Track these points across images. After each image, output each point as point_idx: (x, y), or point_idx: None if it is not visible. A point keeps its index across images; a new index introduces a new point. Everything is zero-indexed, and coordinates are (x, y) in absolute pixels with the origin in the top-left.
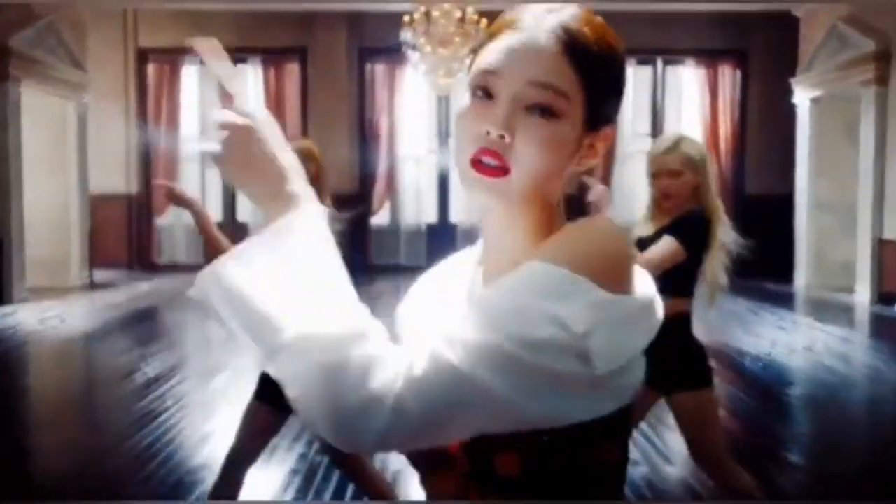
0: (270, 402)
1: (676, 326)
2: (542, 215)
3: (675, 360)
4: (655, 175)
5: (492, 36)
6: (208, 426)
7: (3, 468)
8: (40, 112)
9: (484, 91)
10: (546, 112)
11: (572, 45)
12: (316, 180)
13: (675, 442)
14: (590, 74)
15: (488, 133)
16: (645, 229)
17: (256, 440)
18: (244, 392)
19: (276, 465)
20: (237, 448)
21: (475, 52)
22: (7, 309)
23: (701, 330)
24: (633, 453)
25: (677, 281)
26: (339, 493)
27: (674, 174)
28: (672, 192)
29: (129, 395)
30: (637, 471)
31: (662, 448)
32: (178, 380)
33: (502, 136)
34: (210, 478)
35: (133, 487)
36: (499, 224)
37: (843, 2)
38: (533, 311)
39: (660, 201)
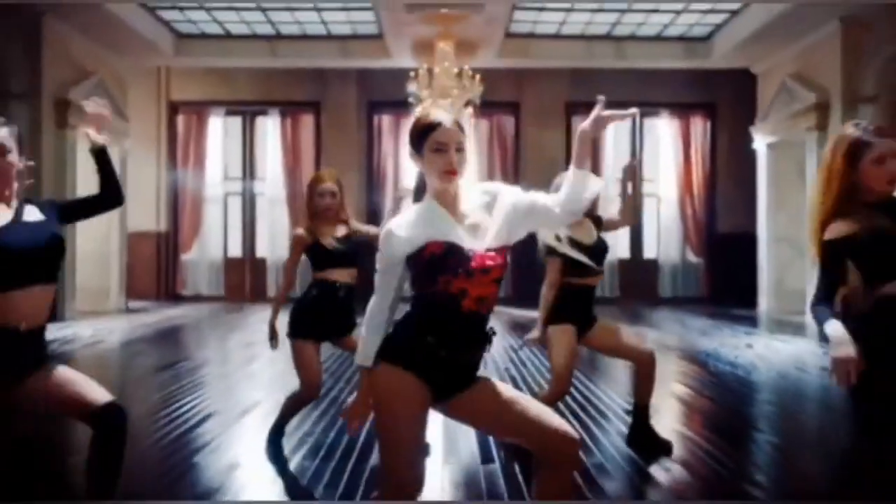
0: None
1: (592, 292)
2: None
3: (591, 311)
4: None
5: (436, 125)
6: (216, 409)
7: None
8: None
9: (440, 146)
10: (460, 150)
11: (460, 126)
12: (343, 202)
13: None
14: (462, 131)
15: (450, 163)
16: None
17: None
18: (250, 387)
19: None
20: (301, 389)
21: (469, 104)
22: (62, 324)
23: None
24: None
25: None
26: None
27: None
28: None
29: (156, 387)
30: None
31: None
32: (195, 377)
33: (451, 164)
34: (217, 459)
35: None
36: (452, 195)
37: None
38: None
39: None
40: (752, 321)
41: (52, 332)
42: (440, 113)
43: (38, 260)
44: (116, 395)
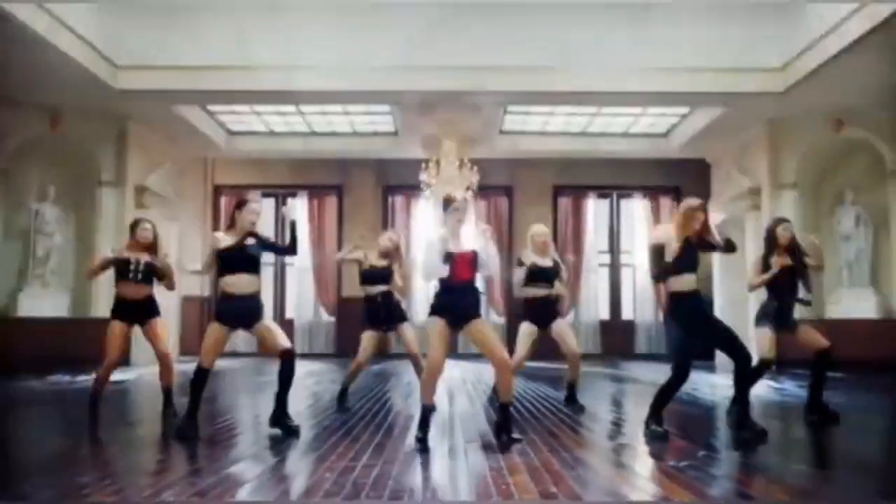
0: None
1: (556, 301)
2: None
3: (552, 312)
4: (535, 239)
5: (451, 202)
6: (251, 446)
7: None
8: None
9: (456, 213)
10: (465, 212)
11: (465, 200)
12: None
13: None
14: (467, 205)
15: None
16: (539, 261)
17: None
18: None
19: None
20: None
21: (469, 188)
22: (128, 369)
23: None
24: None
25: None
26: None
27: (544, 235)
28: (544, 242)
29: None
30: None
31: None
32: (231, 416)
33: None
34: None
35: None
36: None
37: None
38: None
39: (539, 249)
40: (710, 368)
41: (118, 375)
42: (458, 192)
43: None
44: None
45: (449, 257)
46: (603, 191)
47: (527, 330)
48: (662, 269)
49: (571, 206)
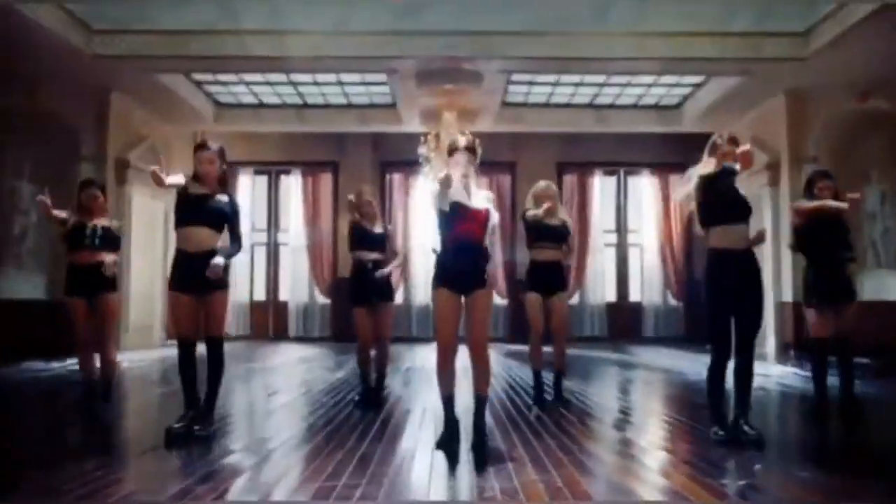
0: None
1: (559, 265)
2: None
3: (557, 281)
4: (538, 199)
5: (454, 150)
6: (245, 441)
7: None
8: (141, 209)
9: (456, 161)
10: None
11: (468, 149)
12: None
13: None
14: (473, 151)
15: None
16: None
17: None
18: (281, 420)
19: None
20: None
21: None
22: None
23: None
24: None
25: (559, 243)
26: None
27: (549, 197)
28: (548, 203)
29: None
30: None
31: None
32: (223, 406)
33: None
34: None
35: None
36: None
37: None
38: None
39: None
40: None
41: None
42: (460, 138)
43: None
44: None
45: (455, 209)
46: (609, 167)
47: (534, 300)
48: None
49: (577, 184)
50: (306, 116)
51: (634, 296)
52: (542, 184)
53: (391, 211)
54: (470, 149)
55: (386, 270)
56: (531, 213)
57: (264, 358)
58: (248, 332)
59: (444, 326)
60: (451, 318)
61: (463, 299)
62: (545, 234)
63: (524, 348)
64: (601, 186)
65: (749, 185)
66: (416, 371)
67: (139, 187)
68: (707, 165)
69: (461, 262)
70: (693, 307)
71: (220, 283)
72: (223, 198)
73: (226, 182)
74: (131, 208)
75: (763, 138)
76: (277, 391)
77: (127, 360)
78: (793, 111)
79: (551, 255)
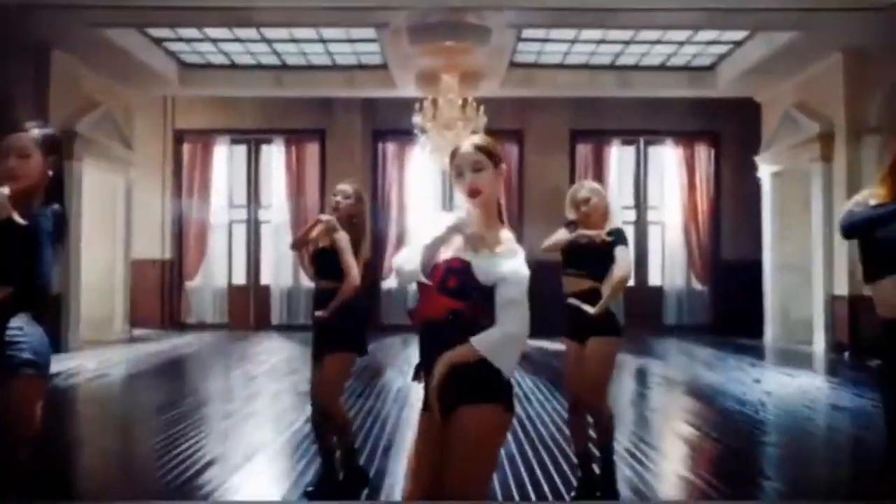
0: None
1: (595, 296)
2: (490, 205)
3: (592, 319)
4: (576, 205)
5: (454, 154)
6: (223, 450)
7: (58, 474)
8: (95, 185)
9: (457, 170)
10: (479, 169)
11: (475, 147)
12: (363, 215)
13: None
14: (483, 151)
15: (466, 185)
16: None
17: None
18: (258, 424)
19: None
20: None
21: (474, 134)
22: (65, 355)
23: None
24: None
25: (595, 271)
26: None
27: (586, 201)
28: (588, 211)
29: (161, 423)
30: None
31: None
32: (200, 413)
33: (467, 186)
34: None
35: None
36: (477, 213)
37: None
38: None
39: (582, 220)
40: (757, 352)
41: (57, 364)
42: (464, 141)
43: None
44: (118, 437)
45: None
46: (628, 136)
47: (566, 349)
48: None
49: (592, 155)
50: (285, 79)
51: (654, 279)
52: (585, 185)
53: (384, 186)
54: (486, 152)
55: (324, 314)
56: (550, 241)
57: (242, 357)
58: (226, 321)
59: (412, 477)
60: (423, 459)
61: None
62: (572, 256)
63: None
64: (619, 158)
65: (795, 160)
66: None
67: (93, 161)
68: (881, 192)
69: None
70: (719, 292)
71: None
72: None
73: (59, 188)
74: (82, 186)
75: (813, 105)
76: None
77: (79, 365)
78: (852, 74)
79: (580, 285)
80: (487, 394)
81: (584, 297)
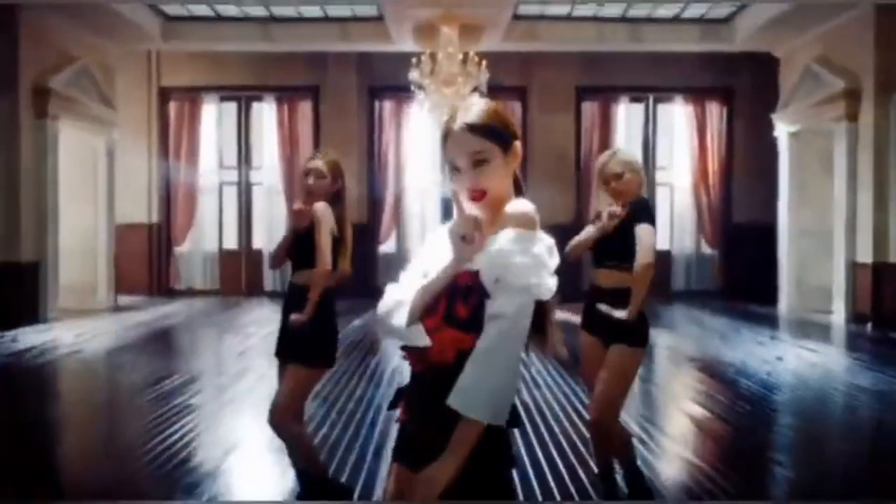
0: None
1: (625, 294)
2: (501, 206)
3: (620, 321)
4: (605, 181)
5: (444, 137)
6: (219, 429)
7: (33, 467)
8: (74, 147)
9: (455, 168)
10: (482, 162)
11: (472, 128)
12: (342, 192)
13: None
14: (486, 132)
15: (465, 185)
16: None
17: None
18: (251, 400)
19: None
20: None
21: (475, 91)
22: (42, 327)
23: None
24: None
25: (624, 257)
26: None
27: (618, 176)
28: (620, 188)
29: (149, 402)
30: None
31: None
32: (192, 389)
33: (467, 185)
34: (219, 476)
35: (148, 486)
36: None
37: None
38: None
39: (614, 199)
40: (771, 321)
41: (30, 337)
42: (458, 112)
43: None
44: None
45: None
46: (637, 93)
47: (586, 345)
48: None
49: (598, 113)
50: (274, 33)
51: (662, 243)
52: (606, 156)
53: (380, 146)
54: (490, 133)
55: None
56: (577, 240)
57: (237, 320)
58: (217, 287)
59: None
60: None
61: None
62: (602, 244)
63: None
64: (626, 116)
65: (816, 119)
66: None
67: (70, 120)
68: None
69: (421, 412)
70: (730, 257)
71: None
72: None
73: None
74: (57, 146)
75: (837, 60)
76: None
77: (55, 338)
78: (883, 26)
79: (611, 278)
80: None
81: (618, 293)
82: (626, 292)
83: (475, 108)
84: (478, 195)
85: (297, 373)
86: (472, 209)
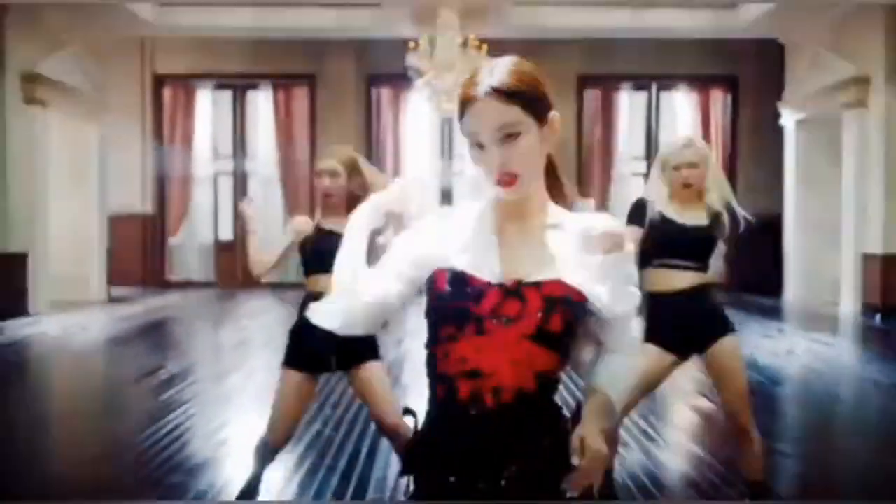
0: (300, 368)
1: (707, 295)
2: (539, 189)
3: (701, 323)
4: (676, 167)
5: (463, 105)
6: (216, 423)
7: (23, 465)
8: (65, 135)
9: (478, 145)
10: (512, 136)
11: (499, 93)
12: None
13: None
14: (519, 98)
15: (492, 166)
16: (677, 215)
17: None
18: (249, 394)
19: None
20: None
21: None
22: (30, 319)
23: None
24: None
25: (704, 258)
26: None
27: (693, 166)
28: (692, 181)
29: (142, 396)
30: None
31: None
32: (187, 382)
33: (495, 167)
34: (217, 470)
35: (144, 482)
36: (515, 202)
37: None
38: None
39: (678, 190)
40: (778, 313)
41: (18, 329)
42: (481, 74)
43: None
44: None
45: (459, 290)
46: (640, 81)
47: (653, 361)
48: None
49: (600, 102)
50: (270, 18)
51: None
52: (676, 144)
53: (379, 134)
54: (522, 98)
55: None
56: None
57: (232, 312)
58: (212, 279)
59: None
60: None
61: None
62: (679, 241)
63: None
64: (628, 104)
65: (824, 106)
66: (411, 331)
67: (61, 107)
68: None
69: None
70: (736, 247)
71: None
72: None
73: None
74: (48, 134)
75: (847, 46)
76: None
77: (42, 332)
78: (894, 10)
79: (688, 279)
80: None
81: (693, 294)
82: (703, 292)
83: (503, 66)
84: (507, 179)
85: (378, 371)
86: (500, 195)
